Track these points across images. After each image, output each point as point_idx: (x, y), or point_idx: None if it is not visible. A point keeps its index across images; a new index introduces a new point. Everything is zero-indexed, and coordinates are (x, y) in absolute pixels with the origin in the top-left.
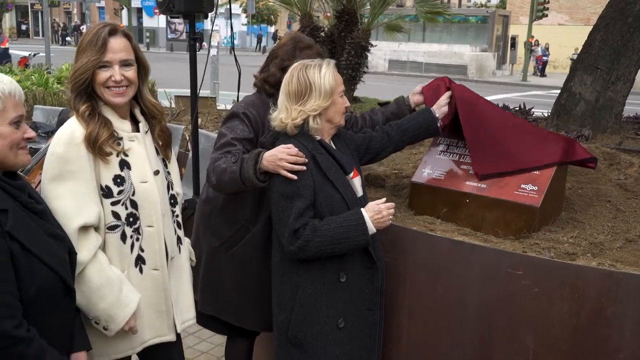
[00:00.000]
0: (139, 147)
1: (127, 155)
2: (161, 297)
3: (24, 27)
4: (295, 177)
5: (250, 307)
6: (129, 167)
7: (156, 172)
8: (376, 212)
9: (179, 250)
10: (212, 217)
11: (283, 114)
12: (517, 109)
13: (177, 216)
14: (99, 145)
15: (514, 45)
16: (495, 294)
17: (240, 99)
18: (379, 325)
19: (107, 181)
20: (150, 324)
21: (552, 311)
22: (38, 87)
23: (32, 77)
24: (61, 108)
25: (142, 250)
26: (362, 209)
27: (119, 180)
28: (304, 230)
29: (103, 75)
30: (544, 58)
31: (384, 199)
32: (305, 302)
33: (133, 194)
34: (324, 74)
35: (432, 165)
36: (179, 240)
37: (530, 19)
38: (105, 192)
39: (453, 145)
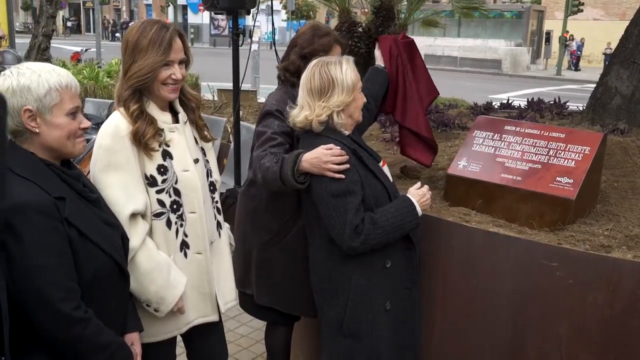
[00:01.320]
0: (180, 137)
1: (168, 146)
2: (204, 279)
3: (70, 23)
4: (343, 176)
5: (302, 295)
6: (171, 157)
7: (196, 161)
8: (421, 196)
9: (219, 235)
10: (258, 212)
11: (307, 111)
12: (552, 102)
13: (216, 202)
14: (145, 142)
15: (548, 40)
16: (530, 285)
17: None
18: (418, 303)
19: (152, 171)
20: (195, 305)
21: (586, 303)
22: (89, 80)
23: (84, 71)
24: (111, 101)
25: (186, 236)
26: (408, 195)
27: (162, 169)
28: (363, 225)
29: (165, 73)
30: (577, 52)
31: (418, 184)
32: (358, 293)
33: (176, 182)
34: (345, 69)
35: (467, 158)
36: (218, 225)
37: (565, 14)
38: (150, 181)
39: (489, 138)
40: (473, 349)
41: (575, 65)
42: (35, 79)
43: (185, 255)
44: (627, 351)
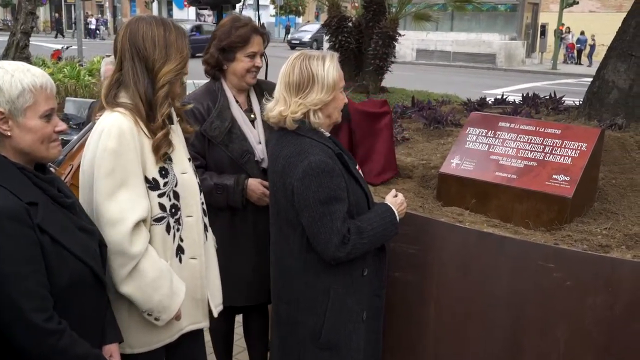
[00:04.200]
0: (175, 138)
1: None
2: (197, 285)
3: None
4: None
5: (228, 286)
6: (170, 159)
7: (189, 159)
8: (400, 204)
9: (206, 237)
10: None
11: (281, 106)
12: (548, 97)
13: (202, 204)
14: (161, 152)
15: (543, 33)
16: (526, 287)
17: None
18: (383, 310)
19: (154, 174)
20: (187, 311)
21: (585, 305)
22: (70, 79)
23: (65, 69)
24: (92, 100)
25: (182, 240)
26: (389, 204)
27: (163, 172)
28: (350, 234)
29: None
30: (578, 46)
31: (393, 191)
32: (337, 303)
33: (176, 185)
34: (328, 66)
35: (460, 156)
36: (205, 227)
37: (561, 6)
38: (153, 185)
39: (482, 135)
40: (468, 351)
41: (578, 58)
42: (7, 80)
43: (180, 260)
44: (628, 355)
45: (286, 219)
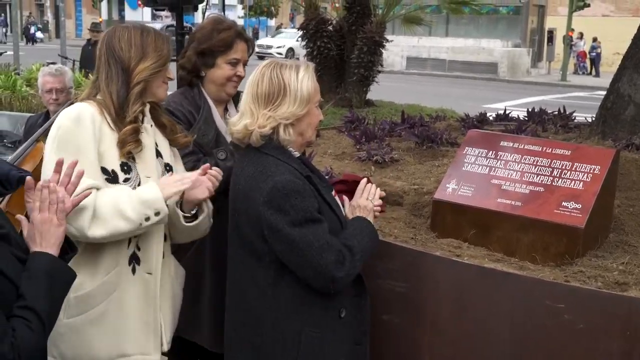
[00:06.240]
0: (147, 139)
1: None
2: (150, 306)
3: None
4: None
5: (202, 322)
6: (134, 159)
7: (167, 166)
8: (362, 208)
9: (163, 256)
10: None
11: (247, 119)
12: (556, 113)
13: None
14: (126, 148)
15: (551, 39)
16: (533, 330)
17: None
18: (368, 358)
19: (114, 166)
20: (135, 337)
21: (599, 351)
22: (4, 90)
23: None
24: (29, 114)
25: (139, 249)
26: (358, 215)
27: (125, 167)
28: (341, 252)
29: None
30: (592, 54)
31: (363, 181)
32: (310, 350)
33: (139, 185)
34: (302, 76)
35: (457, 180)
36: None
37: (570, 9)
38: (111, 177)
39: (482, 157)
40: None
41: (593, 69)
42: None
43: (134, 271)
44: None
45: (250, 250)
